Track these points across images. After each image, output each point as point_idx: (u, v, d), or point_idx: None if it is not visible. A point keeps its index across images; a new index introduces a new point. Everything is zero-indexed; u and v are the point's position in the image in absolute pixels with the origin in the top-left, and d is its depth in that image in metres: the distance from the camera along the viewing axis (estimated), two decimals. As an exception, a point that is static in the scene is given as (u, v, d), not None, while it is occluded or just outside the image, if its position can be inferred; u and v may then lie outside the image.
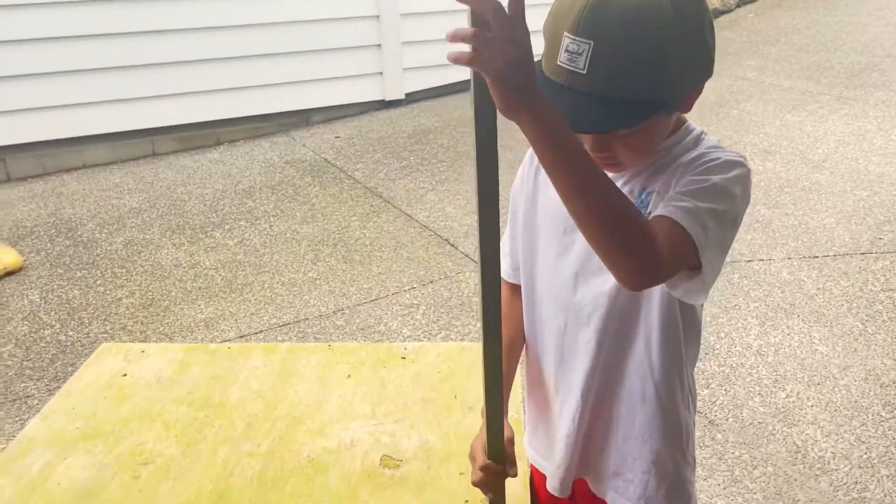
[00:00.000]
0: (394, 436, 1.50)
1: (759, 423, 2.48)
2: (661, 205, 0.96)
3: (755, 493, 2.19)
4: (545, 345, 1.21)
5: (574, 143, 0.85)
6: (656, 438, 1.12)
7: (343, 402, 1.61)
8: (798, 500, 2.16)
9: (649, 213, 1.01)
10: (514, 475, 1.12)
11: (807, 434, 2.42)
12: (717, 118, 5.08)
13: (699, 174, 0.98)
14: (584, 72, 0.93)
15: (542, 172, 1.11)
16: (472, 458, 1.14)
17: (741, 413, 2.52)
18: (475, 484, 1.13)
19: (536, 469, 1.33)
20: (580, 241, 1.07)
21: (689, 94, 1.01)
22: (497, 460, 1.09)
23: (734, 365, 2.77)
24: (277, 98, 5.36)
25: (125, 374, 1.71)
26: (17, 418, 2.59)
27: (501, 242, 1.27)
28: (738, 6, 8.00)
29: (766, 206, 3.93)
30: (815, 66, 6.07)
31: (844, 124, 4.90)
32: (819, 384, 2.65)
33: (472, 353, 1.79)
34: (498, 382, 1.04)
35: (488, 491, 1.13)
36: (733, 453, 2.35)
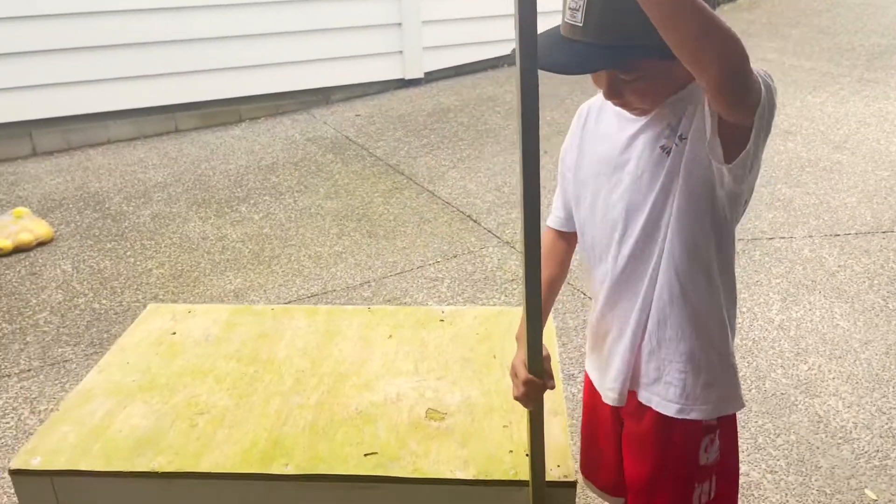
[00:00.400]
0: (437, 391, 1.56)
1: (782, 394, 2.52)
2: None
3: (778, 460, 2.24)
4: (597, 278, 1.29)
5: None
6: (688, 337, 1.21)
7: (386, 360, 1.67)
8: (820, 467, 2.21)
9: (683, 158, 1.12)
10: (553, 388, 1.21)
11: (829, 405, 2.47)
12: (737, 99, 5.08)
13: None
14: (581, 24, 1.08)
15: (588, 127, 1.29)
16: (514, 375, 1.23)
17: (764, 384, 2.57)
18: (517, 398, 1.22)
19: (594, 389, 1.39)
20: (626, 179, 1.20)
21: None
22: (537, 375, 1.18)
23: (756, 339, 2.81)
24: (298, 76, 5.40)
25: (174, 333, 1.77)
26: (56, 381, 2.66)
27: (554, 197, 1.37)
28: (757, -12, 7.95)
29: (788, 185, 3.95)
30: (835, 47, 6.05)
31: (865, 105, 4.90)
32: (840, 357, 2.69)
33: (507, 316, 1.84)
34: (538, 309, 1.12)
35: (529, 403, 1.21)
36: (756, 422, 2.40)
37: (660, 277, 1.19)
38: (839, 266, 3.25)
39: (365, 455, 1.38)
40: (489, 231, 3.67)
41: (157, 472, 1.35)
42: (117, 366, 1.65)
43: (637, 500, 1.34)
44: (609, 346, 1.30)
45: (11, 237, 3.52)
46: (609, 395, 1.31)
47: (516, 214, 3.84)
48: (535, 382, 1.19)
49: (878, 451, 2.27)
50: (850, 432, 2.34)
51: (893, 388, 2.54)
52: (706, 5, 0.91)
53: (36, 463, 1.37)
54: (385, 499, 1.36)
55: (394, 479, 1.33)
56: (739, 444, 2.28)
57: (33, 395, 2.59)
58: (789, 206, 3.74)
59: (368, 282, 3.27)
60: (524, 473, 1.32)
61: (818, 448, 2.28)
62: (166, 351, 1.70)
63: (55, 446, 1.41)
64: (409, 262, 3.42)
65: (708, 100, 1.05)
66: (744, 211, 1.21)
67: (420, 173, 4.36)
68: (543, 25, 1.04)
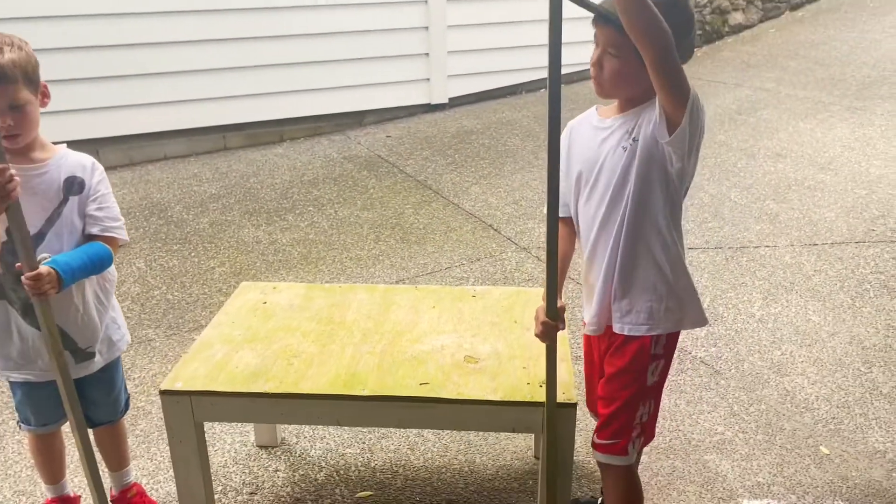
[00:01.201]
0: (472, 344, 2.04)
1: (757, 374, 2.97)
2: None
3: (749, 423, 2.69)
4: (583, 240, 1.83)
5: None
6: (651, 275, 1.73)
7: (431, 323, 2.15)
8: (784, 429, 2.66)
9: (637, 150, 1.67)
10: (563, 329, 1.70)
11: (795, 382, 2.92)
12: (735, 124, 5.56)
13: None
14: None
15: (572, 137, 1.84)
16: (536, 318, 1.70)
17: (742, 366, 3.02)
18: (537, 335, 1.69)
19: (588, 338, 1.91)
20: (601, 171, 1.74)
21: None
22: (553, 318, 1.65)
23: (738, 329, 3.26)
24: (335, 100, 5.95)
25: (265, 302, 2.27)
26: (143, 355, 3.16)
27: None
28: (760, 21, 8.46)
29: (775, 201, 4.41)
30: (829, 78, 6.52)
31: (851, 131, 5.36)
32: (809, 345, 3.14)
33: (525, 294, 2.33)
34: (554, 271, 1.59)
35: (546, 339, 1.68)
36: (734, 395, 2.85)
37: (623, 233, 1.70)
38: (815, 270, 3.71)
39: (420, 384, 1.86)
40: (508, 238, 4.16)
41: (268, 393, 1.84)
42: (225, 324, 2.15)
43: (603, 409, 1.83)
44: (592, 290, 1.81)
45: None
46: (590, 328, 1.81)
47: (532, 224, 4.33)
48: (550, 324, 1.66)
49: (833, 418, 2.72)
50: (812, 404, 2.79)
51: (853, 370, 2.99)
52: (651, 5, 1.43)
53: (179, 386, 1.86)
54: (436, 415, 1.84)
55: (442, 399, 1.81)
56: (718, 411, 2.73)
57: (126, 367, 3.08)
58: (775, 220, 4.21)
59: (403, 280, 3.76)
60: (538, 397, 1.79)
61: (784, 415, 2.73)
62: (261, 314, 2.20)
63: (191, 375, 1.90)
64: (437, 264, 3.92)
65: (658, 98, 1.57)
66: (688, 185, 1.74)
67: (446, 188, 4.87)
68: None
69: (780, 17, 8.55)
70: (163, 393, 1.86)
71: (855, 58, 6.90)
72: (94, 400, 2.00)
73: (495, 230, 4.28)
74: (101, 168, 1.93)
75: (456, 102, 6.48)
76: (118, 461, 2.17)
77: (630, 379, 1.78)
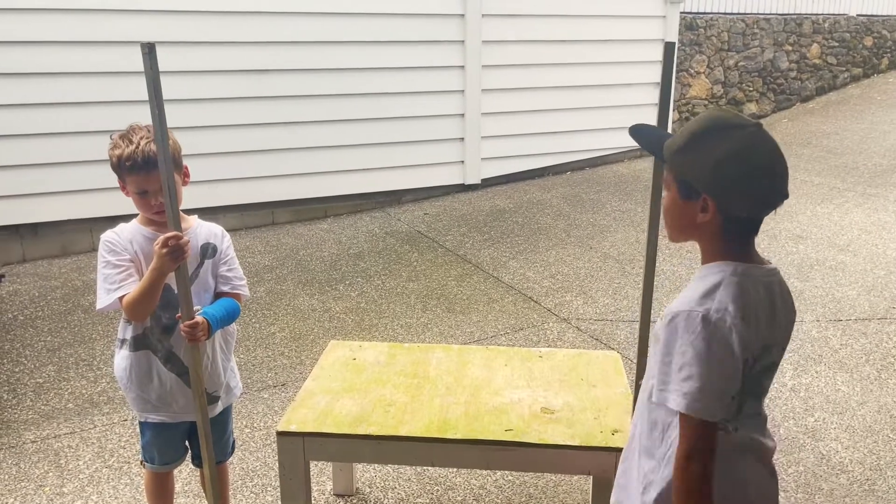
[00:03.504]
0: (546, 398, 2.29)
1: (793, 438, 3.18)
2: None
3: (789, 483, 2.88)
4: None
5: None
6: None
7: (506, 379, 2.41)
8: (822, 489, 2.85)
9: None
10: None
11: (830, 447, 3.12)
12: (755, 208, 5.89)
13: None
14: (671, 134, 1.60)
15: None
16: None
17: (778, 431, 3.23)
18: None
19: None
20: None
21: (702, 203, 1.45)
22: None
23: (773, 397, 3.48)
24: (375, 180, 6.34)
25: (354, 358, 2.54)
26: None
27: None
28: (773, 112, 8.94)
29: (799, 279, 4.69)
30: (842, 166, 6.90)
31: (867, 216, 5.67)
32: (841, 413, 3.35)
33: (586, 356, 2.58)
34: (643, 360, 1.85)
35: None
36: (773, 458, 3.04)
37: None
38: (841, 345, 3.94)
39: (505, 430, 2.10)
40: (548, 310, 4.42)
41: (372, 435, 2.08)
42: (323, 377, 2.41)
43: None
44: None
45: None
46: None
47: (570, 297, 4.60)
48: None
49: (867, 479, 2.91)
50: (847, 466, 2.99)
51: (882, 437, 3.19)
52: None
53: (293, 428, 2.11)
54: (520, 458, 2.07)
55: (527, 444, 2.05)
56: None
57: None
58: (800, 297, 4.46)
59: (451, 345, 4.01)
60: (612, 444, 2.03)
61: (821, 476, 2.93)
62: (353, 368, 2.46)
63: (301, 419, 2.15)
64: (483, 333, 4.17)
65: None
66: None
67: (484, 262, 5.17)
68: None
69: (791, 107, 9.03)
70: (279, 434, 2.10)
71: (866, 147, 7.30)
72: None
73: (535, 302, 4.55)
74: (228, 235, 2.24)
75: (488, 183, 6.87)
76: (223, 500, 2.39)
77: None
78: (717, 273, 1.47)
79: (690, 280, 1.55)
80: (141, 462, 2.31)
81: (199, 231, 2.17)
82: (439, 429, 2.11)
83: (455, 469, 2.85)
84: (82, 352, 3.90)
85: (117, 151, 2.02)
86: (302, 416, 2.17)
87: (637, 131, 1.64)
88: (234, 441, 2.39)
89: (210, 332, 2.02)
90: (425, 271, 5.04)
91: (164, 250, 1.90)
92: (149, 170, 1.98)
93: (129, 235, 2.09)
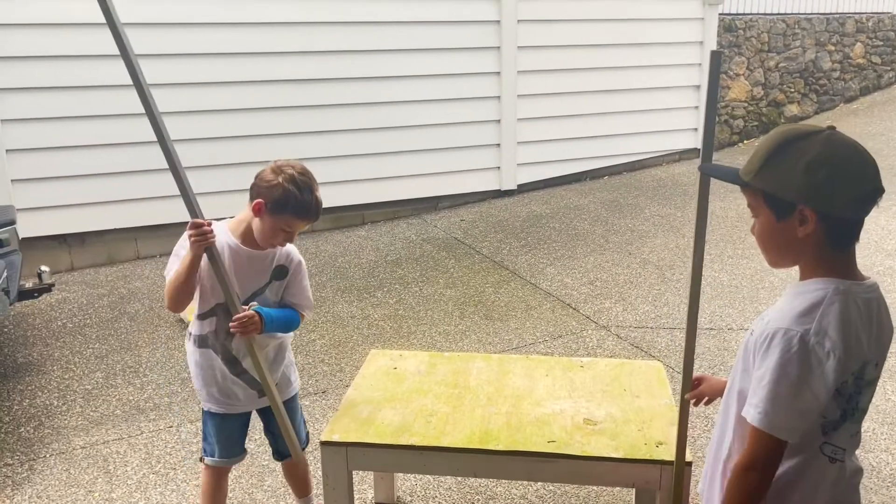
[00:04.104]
0: (588, 408, 2.27)
1: (841, 449, 3.10)
2: None
3: (839, 496, 2.81)
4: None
5: None
6: None
7: (547, 389, 2.40)
8: (873, 502, 2.78)
9: None
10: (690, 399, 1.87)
11: (880, 458, 3.04)
12: (798, 212, 5.78)
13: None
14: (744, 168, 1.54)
15: None
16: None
17: (826, 442, 3.15)
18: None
19: None
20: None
21: (800, 216, 1.42)
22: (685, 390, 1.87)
23: (819, 407, 3.40)
24: (412, 186, 6.37)
25: (395, 368, 2.55)
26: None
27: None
28: (815, 113, 8.76)
29: (844, 285, 4.58)
30: (888, 168, 6.71)
31: (915, 219, 5.53)
32: (891, 424, 3.27)
33: (628, 365, 2.56)
34: (691, 351, 1.82)
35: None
36: (820, 469, 2.98)
37: None
38: (891, 353, 3.82)
39: (548, 441, 2.09)
40: (587, 317, 4.39)
41: (414, 446, 2.09)
42: (365, 387, 2.42)
43: None
44: None
45: (203, 311, 4.41)
46: None
47: (609, 304, 4.56)
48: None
49: (921, 492, 2.83)
50: (899, 479, 2.91)
51: (936, 448, 3.10)
52: None
53: (336, 438, 2.13)
54: (562, 470, 2.06)
55: (570, 456, 2.04)
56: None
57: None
58: (846, 303, 4.36)
59: (491, 354, 4.00)
60: (656, 456, 2.00)
61: (871, 489, 2.86)
62: (394, 378, 2.47)
63: (344, 429, 2.17)
64: (521, 340, 4.16)
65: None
66: None
67: (522, 269, 5.15)
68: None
69: (834, 108, 8.84)
70: (323, 444, 2.12)
71: (913, 148, 7.11)
72: (277, 432, 2.30)
73: (574, 309, 4.52)
74: (301, 261, 2.30)
75: (524, 188, 6.85)
76: (303, 488, 2.56)
77: None
78: (819, 290, 1.44)
79: (785, 293, 1.52)
80: (200, 459, 2.40)
81: (279, 253, 2.24)
82: (481, 440, 2.11)
83: (496, 479, 2.84)
84: (129, 359, 3.99)
85: (293, 193, 2.10)
86: (344, 425, 2.19)
87: (706, 169, 1.64)
88: (307, 434, 2.50)
89: (263, 327, 2.11)
90: (462, 278, 5.04)
91: (191, 232, 2.03)
92: (313, 220, 2.16)
93: (220, 244, 2.15)
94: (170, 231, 5.62)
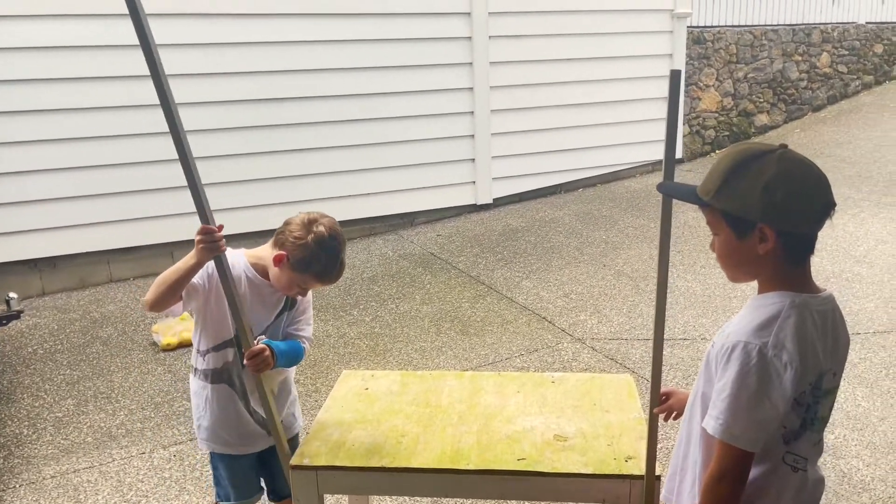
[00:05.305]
0: (558, 424, 2.28)
1: (813, 456, 3.14)
2: None
3: None
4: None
5: None
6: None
7: (518, 406, 2.40)
8: (844, 509, 2.81)
9: None
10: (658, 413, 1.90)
11: (851, 464, 3.07)
12: (769, 220, 5.86)
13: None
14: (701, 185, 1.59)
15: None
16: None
17: (798, 449, 3.19)
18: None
19: None
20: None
21: (760, 234, 1.46)
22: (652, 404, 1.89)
23: (791, 415, 3.44)
24: (388, 203, 6.38)
25: (367, 388, 2.54)
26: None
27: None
28: (784, 122, 8.90)
29: (815, 293, 4.64)
30: (856, 175, 6.84)
31: (883, 226, 5.62)
32: (861, 430, 3.31)
33: (599, 380, 2.57)
34: (659, 363, 1.84)
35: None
36: (792, 477, 3.01)
37: None
38: (860, 359, 3.89)
39: (518, 459, 2.09)
40: (562, 330, 4.41)
41: (384, 468, 2.08)
42: (336, 409, 2.41)
43: None
44: None
45: (177, 335, 4.38)
46: None
47: (584, 316, 4.59)
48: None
49: (890, 497, 2.86)
50: (868, 484, 2.94)
51: (905, 453, 3.14)
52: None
53: (306, 462, 2.11)
54: (533, 488, 2.06)
55: (540, 473, 2.04)
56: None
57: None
58: (817, 311, 4.42)
59: (467, 370, 4.01)
60: (625, 471, 2.01)
61: (843, 496, 2.89)
62: (365, 399, 2.46)
63: (314, 452, 2.15)
64: (498, 355, 4.17)
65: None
66: None
67: (498, 283, 5.17)
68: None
69: (803, 117, 8.99)
70: (293, 468, 2.11)
71: (880, 156, 7.24)
72: (276, 472, 2.28)
73: (549, 322, 4.54)
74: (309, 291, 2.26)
75: (500, 202, 6.89)
76: None
77: None
78: (776, 304, 1.49)
79: (745, 306, 1.56)
80: (216, 502, 2.35)
81: None
82: (452, 459, 2.10)
83: (468, 498, 2.83)
84: (101, 384, 3.94)
85: (320, 258, 2.10)
86: (315, 448, 2.17)
87: (665, 188, 1.66)
88: None
89: (274, 362, 2.07)
90: (439, 293, 5.05)
91: (199, 237, 1.88)
92: (332, 283, 2.21)
93: (238, 272, 2.11)
94: (143, 253, 5.59)
